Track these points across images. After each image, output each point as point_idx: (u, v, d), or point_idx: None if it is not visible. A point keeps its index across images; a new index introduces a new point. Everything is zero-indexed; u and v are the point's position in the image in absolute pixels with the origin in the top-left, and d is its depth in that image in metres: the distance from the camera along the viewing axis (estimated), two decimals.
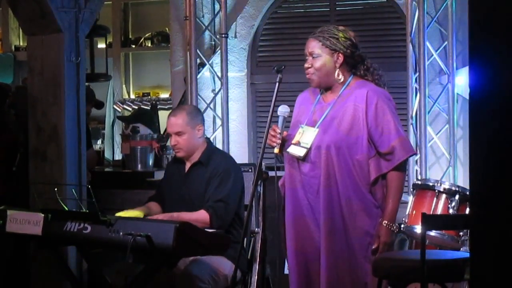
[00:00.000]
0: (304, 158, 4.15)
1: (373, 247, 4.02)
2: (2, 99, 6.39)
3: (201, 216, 4.90)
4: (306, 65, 4.22)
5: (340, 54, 4.14)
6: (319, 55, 4.16)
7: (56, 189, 5.15)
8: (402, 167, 4.14)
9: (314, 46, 4.20)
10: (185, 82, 7.01)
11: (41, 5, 5.66)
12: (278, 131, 4.16)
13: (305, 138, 4.20)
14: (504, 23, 2.27)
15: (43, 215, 4.71)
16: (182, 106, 5.97)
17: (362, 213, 4.12)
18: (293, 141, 4.21)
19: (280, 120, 4.19)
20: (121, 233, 4.38)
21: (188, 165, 5.16)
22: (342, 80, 4.21)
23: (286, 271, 4.77)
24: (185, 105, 6.16)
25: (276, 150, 4.17)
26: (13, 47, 8.99)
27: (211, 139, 6.95)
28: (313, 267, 4.17)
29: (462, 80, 6.28)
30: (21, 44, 8.78)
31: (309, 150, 4.13)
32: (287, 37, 7.00)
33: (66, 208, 5.03)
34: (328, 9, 6.87)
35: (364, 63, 4.27)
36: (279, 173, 4.32)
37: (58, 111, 5.81)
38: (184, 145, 5.11)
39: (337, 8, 6.81)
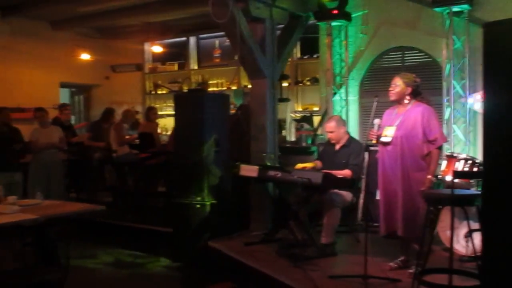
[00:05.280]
0: (389, 143, 4.40)
1: (423, 189, 4.21)
2: (246, 113, 6.55)
3: (347, 172, 5.19)
4: (390, 89, 4.47)
5: (409, 88, 4.41)
6: (398, 85, 4.43)
7: (264, 154, 6.07)
8: (440, 148, 4.38)
9: (397, 80, 4.45)
10: (326, 102, 7.32)
11: (256, 65, 6.10)
12: (375, 132, 4.43)
13: (389, 132, 4.43)
14: (498, 71, 2.61)
15: (257, 167, 5.42)
16: (333, 116, 5.84)
17: (417, 171, 4.32)
18: (383, 134, 4.45)
19: (376, 126, 4.43)
20: (295, 177, 4.98)
21: (338, 146, 5.44)
22: (407, 101, 4.43)
23: (377, 197, 4.83)
24: (335, 115, 6.15)
25: (374, 141, 4.47)
26: (242, 85, 9.11)
27: None
28: (392, 198, 4.43)
29: (473, 101, 6.24)
30: (246, 83, 8.42)
31: (391, 138, 4.39)
32: (379, 78, 7.00)
33: (269, 164, 5.80)
34: (401, 64, 6.93)
35: (421, 94, 4.50)
36: (375, 148, 4.59)
37: (264, 117, 6.24)
38: (334, 138, 5.44)
39: (405, 64, 6.88)
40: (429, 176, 4.27)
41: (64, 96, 10.73)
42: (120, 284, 5.23)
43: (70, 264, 4.54)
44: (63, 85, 10.46)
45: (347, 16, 7.03)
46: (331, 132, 5.43)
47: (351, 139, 5.50)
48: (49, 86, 9.82)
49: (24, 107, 8.89)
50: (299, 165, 5.39)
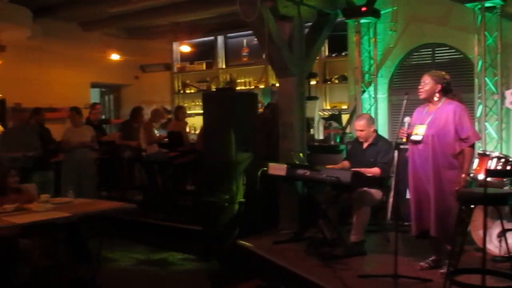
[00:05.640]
0: (420, 141, 4.37)
1: (456, 188, 4.15)
2: (274, 111, 6.55)
3: (375, 170, 5.17)
4: (420, 87, 4.42)
5: (439, 85, 4.36)
6: (428, 83, 4.38)
7: (292, 153, 5.99)
8: (472, 146, 4.32)
9: (426, 78, 4.40)
10: (355, 100, 7.36)
11: (284, 63, 6.12)
12: (405, 130, 4.43)
13: (420, 130, 4.40)
14: None
15: (286, 165, 5.42)
16: (363, 115, 5.85)
17: (449, 169, 4.28)
18: (413, 133, 4.42)
19: (406, 125, 4.43)
20: (324, 175, 5.00)
21: (365, 144, 5.44)
22: (437, 99, 4.38)
23: (407, 196, 4.90)
24: (365, 114, 6.15)
25: (404, 140, 4.45)
26: (270, 84, 9.28)
27: None
28: (423, 197, 4.39)
29: (506, 97, 6.13)
30: (274, 82, 8.74)
31: (422, 137, 4.36)
32: (408, 75, 6.94)
33: (297, 162, 5.71)
34: (431, 61, 6.89)
35: (452, 92, 4.46)
36: (405, 146, 4.55)
37: (292, 115, 6.25)
38: (364, 136, 5.43)
39: (436, 60, 6.84)
40: (463, 175, 4.24)
41: (94, 96, 10.94)
42: (149, 282, 5.30)
43: (102, 261, 4.59)
44: (94, 85, 10.66)
45: (376, 13, 7.01)
46: (361, 130, 5.42)
47: (378, 137, 5.50)
48: (80, 86, 10.04)
49: (55, 107, 9.11)
50: (327, 167, 5.43)
